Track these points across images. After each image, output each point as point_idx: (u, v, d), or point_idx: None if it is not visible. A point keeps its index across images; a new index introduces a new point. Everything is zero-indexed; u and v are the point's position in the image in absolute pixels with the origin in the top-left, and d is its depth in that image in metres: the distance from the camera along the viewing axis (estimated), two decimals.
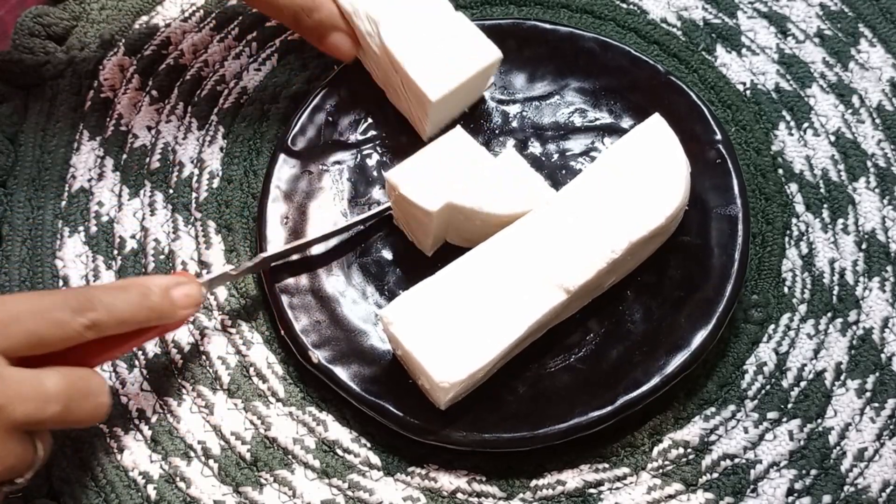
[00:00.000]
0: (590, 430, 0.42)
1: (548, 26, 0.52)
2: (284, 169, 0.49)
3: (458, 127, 0.46)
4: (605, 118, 0.51)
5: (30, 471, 0.37)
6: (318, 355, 0.44)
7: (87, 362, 0.39)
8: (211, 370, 0.47)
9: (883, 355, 0.46)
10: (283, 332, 0.46)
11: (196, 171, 0.52)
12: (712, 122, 0.48)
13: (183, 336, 0.47)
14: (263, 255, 0.46)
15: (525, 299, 0.42)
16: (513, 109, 0.52)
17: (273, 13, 0.50)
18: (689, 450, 0.44)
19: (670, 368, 0.43)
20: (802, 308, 0.47)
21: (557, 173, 0.50)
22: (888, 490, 0.43)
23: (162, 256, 0.50)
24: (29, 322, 0.36)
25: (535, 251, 0.43)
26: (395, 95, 0.50)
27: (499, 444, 0.42)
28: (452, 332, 0.41)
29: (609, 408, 0.42)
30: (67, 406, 0.36)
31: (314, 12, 0.47)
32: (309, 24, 0.48)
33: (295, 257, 0.47)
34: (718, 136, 0.48)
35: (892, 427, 0.44)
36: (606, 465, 0.44)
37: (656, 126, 0.46)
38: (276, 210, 0.48)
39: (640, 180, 0.44)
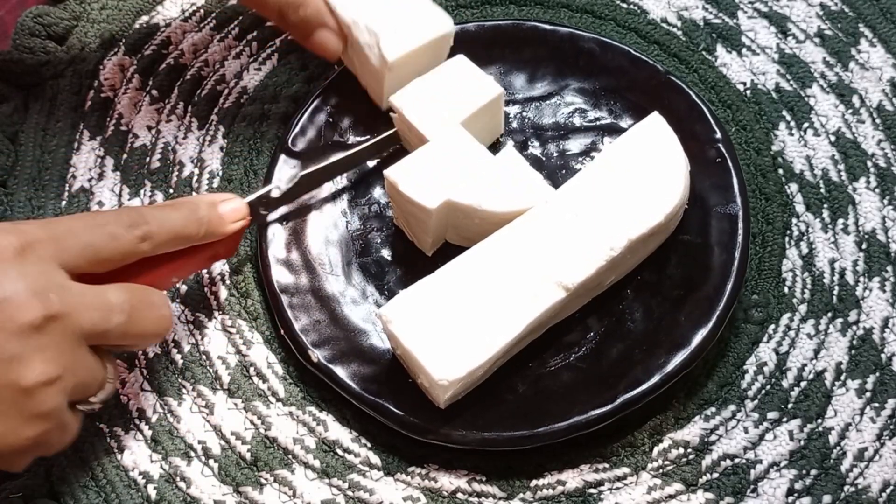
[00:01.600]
0: (590, 428, 0.42)
1: (548, 27, 0.52)
2: (284, 169, 0.49)
3: (458, 125, 0.46)
4: (605, 118, 0.51)
5: (101, 392, 0.38)
6: (318, 355, 0.44)
7: (148, 284, 0.40)
8: (211, 370, 0.47)
9: (883, 355, 0.46)
10: (282, 331, 0.46)
11: (196, 171, 0.52)
12: (712, 121, 0.48)
13: (183, 336, 0.47)
14: (301, 172, 0.47)
15: (524, 297, 0.42)
16: (513, 110, 0.52)
17: (258, 7, 0.49)
18: (689, 450, 0.44)
19: (670, 367, 0.43)
20: (803, 308, 0.47)
21: (557, 173, 0.50)
22: (888, 490, 0.43)
23: None
24: (84, 236, 0.36)
25: (535, 249, 0.43)
26: (365, 78, 0.50)
27: (498, 443, 0.42)
28: (451, 330, 0.41)
29: (609, 406, 0.42)
30: (131, 317, 0.37)
31: (300, 8, 0.47)
32: (294, 21, 0.47)
33: (294, 255, 0.47)
34: (718, 135, 0.48)
35: (892, 427, 0.44)
36: (606, 465, 0.44)
37: (655, 124, 0.46)
38: (276, 210, 0.48)
39: (639, 178, 0.44)
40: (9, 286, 0.34)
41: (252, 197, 0.45)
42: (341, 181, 0.50)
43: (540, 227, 0.43)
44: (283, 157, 0.50)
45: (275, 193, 0.46)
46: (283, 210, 0.48)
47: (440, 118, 0.47)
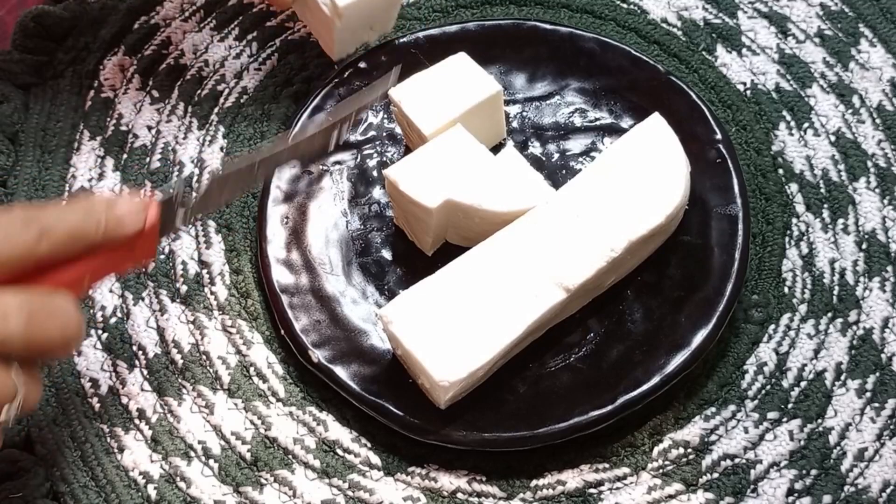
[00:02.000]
0: (590, 429, 0.42)
1: (548, 27, 0.52)
2: (284, 169, 0.49)
3: (458, 125, 0.46)
4: (605, 118, 0.51)
5: (9, 408, 0.34)
6: (318, 355, 0.44)
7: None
8: (211, 370, 0.47)
9: (883, 355, 0.46)
10: (282, 331, 0.46)
11: (196, 171, 0.52)
12: (712, 122, 0.48)
13: (183, 336, 0.47)
14: (216, 177, 0.42)
15: (525, 298, 0.42)
16: (513, 110, 0.52)
17: None
18: (689, 450, 0.44)
19: (670, 368, 0.43)
20: (803, 308, 0.47)
21: (557, 173, 0.50)
22: (888, 490, 0.43)
23: (162, 256, 0.50)
24: None
25: (535, 250, 0.43)
26: (316, 28, 0.51)
27: (499, 444, 0.42)
28: (452, 330, 0.41)
29: (609, 407, 0.42)
30: (31, 322, 0.33)
31: None
32: None
33: (294, 255, 0.47)
34: (718, 136, 0.48)
35: (892, 427, 0.44)
36: (607, 465, 0.44)
37: (656, 125, 0.46)
38: (276, 210, 0.48)
39: (639, 179, 0.44)
40: None
41: (161, 198, 0.41)
42: (342, 181, 0.50)
43: (540, 228, 0.43)
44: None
45: (188, 198, 0.42)
46: (282, 210, 0.48)
47: (437, 113, 0.47)
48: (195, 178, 0.52)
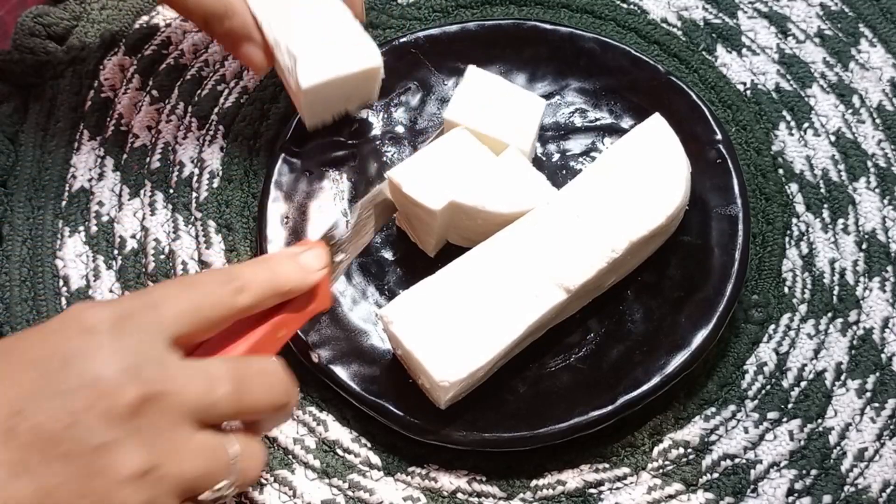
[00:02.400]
0: (590, 429, 0.42)
1: (548, 27, 0.52)
2: (284, 169, 0.49)
3: (461, 126, 0.46)
4: (605, 118, 0.51)
5: (226, 479, 0.33)
6: (319, 355, 0.44)
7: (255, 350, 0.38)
8: None
9: (883, 355, 0.46)
10: None
11: (196, 171, 0.52)
12: (712, 122, 0.48)
13: None
14: (360, 202, 0.45)
15: (525, 298, 0.42)
16: None
17: (185, 14, 0.48)
18: (689, 450, 0.44)
19: (670, 368, 0.43)
20: (803, 308, 0.47)
21: (558, 174, 0.50)
22: (888, 490, 0.43)
23: (162, 256, 0.50)
24: (182, 296, 0.34)
25: (536, 250, 0.43)
26: (290, 95, 0.49)
27: (499, 444, 0.42)
28: (452, 331, 0.41)
29: (609, 407, 0.42)
30: (239, 386, 0.33)
31: (225, 20, 0.45)
32: (220, 32, 0.46)
33: None
34: (719, 136, 0.48)
35: (892, 427, 0.44)
36: (607, 465, 0.44)
37: (657, 126, 0.46)
38: (276, 210, 0.48)
39: (640, 180, 0.44)
40: (101, 364, 0.31)
41: (323, 235, 0.43)
42: (342, 181, 0.50)
43: (541, 228, 0.43)
44: (282, 156, 0.50)
45: (340, 231, 0.43)
46: (282, 210, 0.48)
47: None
48: (195, 178, 0.52)
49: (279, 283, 0.37)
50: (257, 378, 0.34)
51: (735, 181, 0.47)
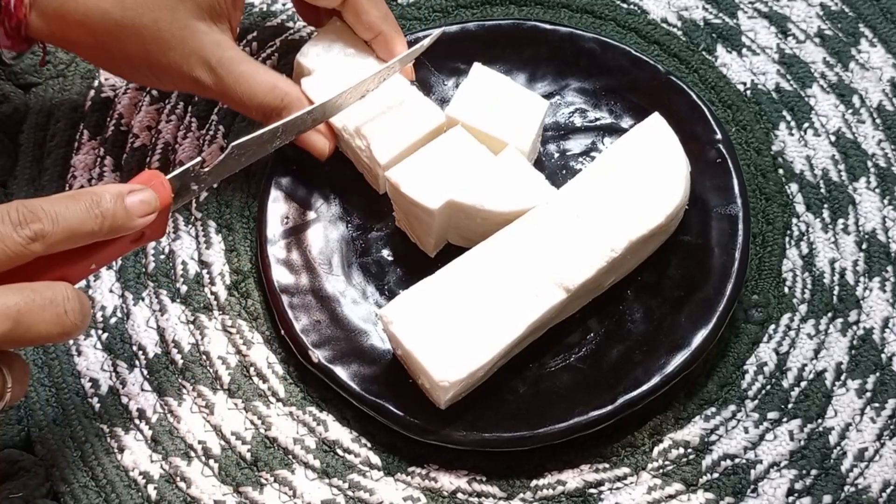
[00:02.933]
0: (590, 429, 0.42)
1: (548, 27, 0.52)
2: (284, 169, 0.49)
3: (459, 126, 0.46)
4: (605, 118, 0.51)
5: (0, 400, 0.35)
6: (318, 355, 0.44)
7: (60, 276, 0.36)
8: (211, 370, 0.47)
9: (883, 355, 0.46)
10: (283, 331, 0.46)
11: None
12: (712, 122, 0.48)
13: (183, 336, 0.47)
14: (233, 143, 0.42)
15: (525, 298, 0.42)
16: None
17: (244, 112, 0.48)
18: (689, 450, 0.44)
19: (670, 368, 0.43)
20: (803, 308, 0.47)
21: (558, 174, 0.50)
22: (888, 490, 0.43)
23: (162, 256, 0.50)
24: None
25: (535, 250, 0.43)
26: (373, 180, 0.49)
27: (499, 444, 0.42)
28: (452, 331, 0.41)
29: (609, 407, 0.42)
30: (21, 321, 0.33)
31: (283, 111, 0.46)
32: None
33: (294, 255, 0.47)
34: (718, 136, 0.48)
35: (892, 427, 0.44)
36: (607, 465, 0.44)
37: (656, 125, 0.46)
38: (276, 210, 0.48)
39: (639, 179, 0.44)
40: None
41: (174, 174, 0.40)
42: (342, 181, 0.50)
43: (541, 228, 0.43)
44: (283, 156, 0.50)
45: (204, 167, 0.41)
46: (282, 210, 0.48)
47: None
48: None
49: (89, 230, 0.36)
50: (44, 311, 0.34)
51: (735, 181, 0.47)
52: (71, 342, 0.47)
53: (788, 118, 0.53)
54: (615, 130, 0.51)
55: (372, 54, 0.49)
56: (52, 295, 0.34)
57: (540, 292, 0.42)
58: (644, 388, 0.42)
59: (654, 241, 0.45)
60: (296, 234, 0.48)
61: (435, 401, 0.42)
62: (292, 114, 0.44)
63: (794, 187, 0.51)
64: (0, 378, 0.35)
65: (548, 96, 0.52)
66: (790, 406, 0.45)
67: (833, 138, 0.52)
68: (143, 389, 0.46)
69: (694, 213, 0.47)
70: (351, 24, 0.49)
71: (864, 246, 0.49)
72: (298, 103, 0.46)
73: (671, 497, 0.43)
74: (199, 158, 0.41)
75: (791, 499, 0.43)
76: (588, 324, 0.46)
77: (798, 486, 0.43)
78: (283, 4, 0.57)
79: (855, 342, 0.46)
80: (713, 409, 0.45)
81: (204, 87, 0.46)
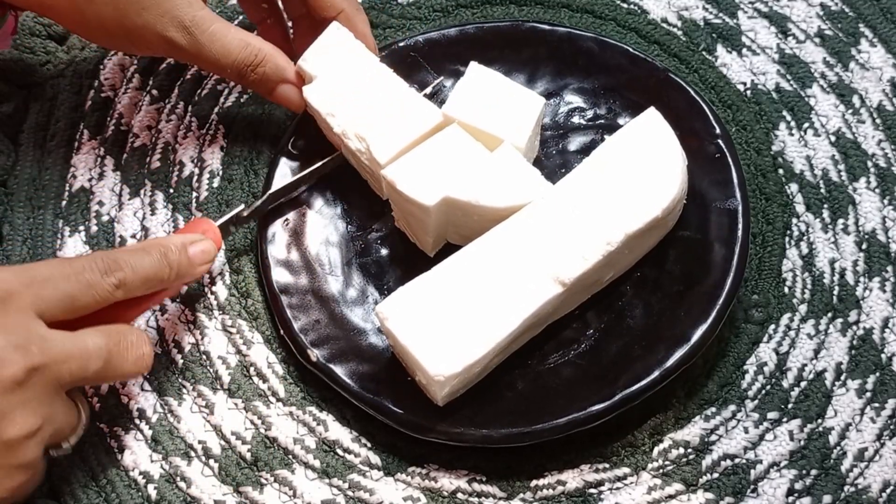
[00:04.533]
0: (589, 425, 0.42)
1: (546, 27, 0.52)
2: (284, 169, 0.49)
3: (455, 124, 0.46)
4: (604, 116, 0.51)
5: (74, 435, 0.39)
6: (317, 354, 0.44)
7: (118, 321, 0.40)
8: (211, 370, 0.47)
9: (883, 355, 0.46)
10: (282, 331, 0.46)
11: (196, 171, 0.52)
12: (711, 117, 0.48)
13: (183, 336, 0.47)
14: (270, 191, 0.48)
15: (521, 293, 0.42)
16: None
17: (217, 72, 0.49)
18: (689, 450, 0.44)
19: (670, 363, 0.42)
20: (803, 308, 0.47)
21: (557, 172, 0.50)
22: (888, 490, 0.43)
23: None
24: (61, 284, 0.37)
25: (532, 245, 0.43)
26: (377, 186, 0.50)
27: (497, 440, 0.42)
28: (448, 326, 0.41)
29: (608, 402, 0.42)
30: (110, 361, 0.38)
31: (258, 67, 0.47)
32: (254, 79, 0.48)
33: (294, 255, 0.47)
34: (717, 131, 0.48)
35: (892, 427, 0.44)
36: (607, 465, 0.44)
37: (652, 119, 0.46)
38: (277, 210, 0.48)
39: (636, 173, 0.44)
40: None
41: (222, 220, 0.46)
42: (342, 181, 0.50)
43: (537, 222, 0.43)
44: (283, 157, 0.50)
45: (244, 212, 0.47)
46: (282, 210, 0.48)
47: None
48: (195, 178, 0.52)
49: (160, 278, 0.41)
50: (126, 353, 0.39)
51: (734, 175, 0.47)
52: None
53: (788, 118, 0.53)
54: (614, 128, 0.50)
55: (374, 58, 0.49)
56: (134, 339, 0.39)
57: (536, 286, 0.42)
58: (643, 382, 0.42)
59: (653, 236, 0.45)
60: (295, 234, 0.48)
61: (432, 397, 0.42)
62: (267, 71, 0.47)
63: (794, 187, 0.51)
64: (76, 412, 0.39)
65: (547, 96, 0.52)
66: (790, 406, 0.45)
67: (833, 138, 0.52)
68: (143, 389, 0.46)
69: (693, 208, 0.47)
70: (311, 7, 0.49)
71: (863, 246, 0.49)
72: (272, 59, 0.47)
73: (671, 497, 0.43)
74: (241, 206, 0.47)
75: (791, 499, 0.43)
76: (587, 319, 0.46)
77: (798, 486, 0.43)
78: None
79: (855, 342, 0.46)
80: (713, 409, 0.45)
81: (178, 49, 0.46)
